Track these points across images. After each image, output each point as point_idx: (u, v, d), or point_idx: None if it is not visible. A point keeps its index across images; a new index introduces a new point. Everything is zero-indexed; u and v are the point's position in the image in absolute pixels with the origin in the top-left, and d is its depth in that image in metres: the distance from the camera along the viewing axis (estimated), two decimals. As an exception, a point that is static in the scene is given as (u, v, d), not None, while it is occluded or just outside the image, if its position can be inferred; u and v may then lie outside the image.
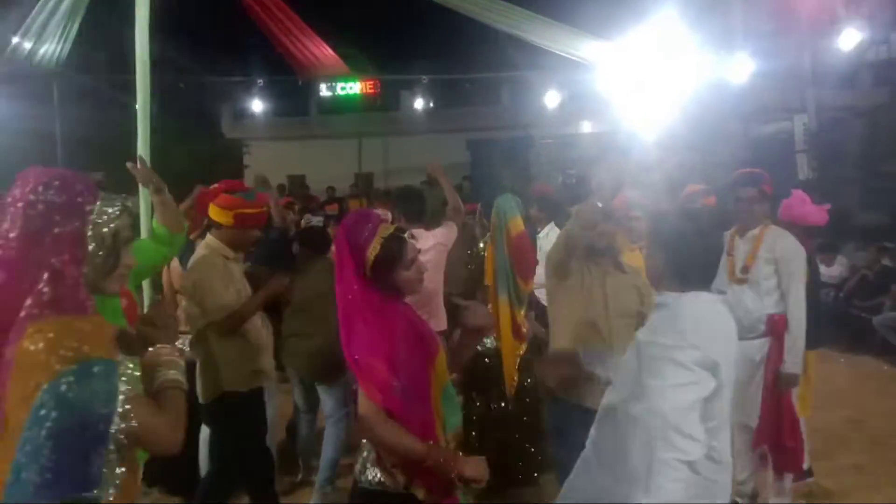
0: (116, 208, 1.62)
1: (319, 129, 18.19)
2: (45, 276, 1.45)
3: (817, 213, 4.15)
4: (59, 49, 8.49)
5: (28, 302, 1.43)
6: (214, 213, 3.42)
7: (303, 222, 6.11)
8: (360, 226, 2.14)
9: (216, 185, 3.73)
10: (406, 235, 2.19)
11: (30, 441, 1.33)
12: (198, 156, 15.88)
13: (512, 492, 3.89)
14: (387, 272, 2.12)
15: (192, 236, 3.94)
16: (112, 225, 1.59)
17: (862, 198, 12.55)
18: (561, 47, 7.33)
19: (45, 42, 8.24)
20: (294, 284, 4.00)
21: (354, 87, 13.85)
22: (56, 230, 1.49)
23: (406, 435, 2.00)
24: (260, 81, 12.57)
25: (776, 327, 3.55)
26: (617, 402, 2.09)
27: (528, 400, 4.06)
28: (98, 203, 1.58)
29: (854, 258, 8.89)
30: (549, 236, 5.31)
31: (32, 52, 8.37)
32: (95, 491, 1.40)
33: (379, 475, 2.09)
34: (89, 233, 1.55)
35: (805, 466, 4.11)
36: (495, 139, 17.32)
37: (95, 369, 1.39)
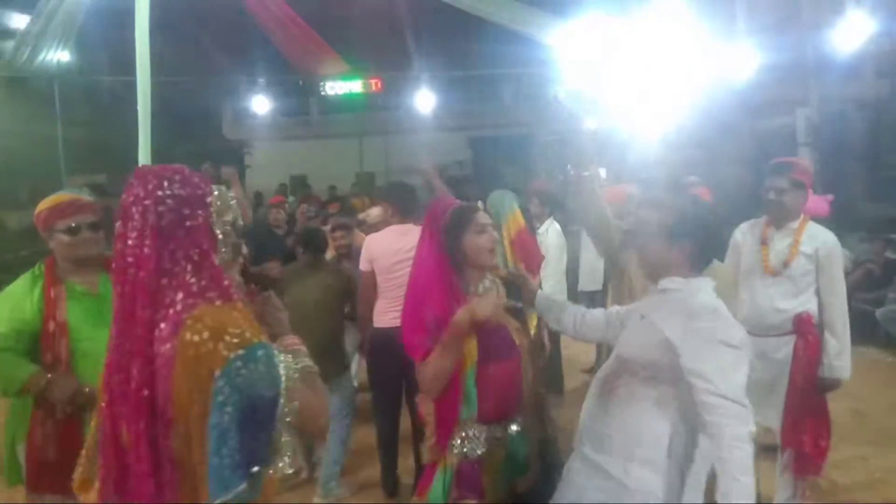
0: (232, 198, 1.67)
1: (320, 129, 18.22)
2: (189, 268, 1.50)
3: (820, 205, 4.12)
4: (59, 52, 8.52)
5: (178, 296, 1.47)
6: None
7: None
8: (441, 203, 2.39)
9: None
10: (480, 206, 2.38)
11: (216, 427, 1.39)
12: (199, 157, 15.93)
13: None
14: (457, 236, 2.27)
15: None
16: (232, 214, 1.65)
17: (866, 190, 12.50)
18: (554, 40, 7.31)
19: (46, 45, 8.26)
20: (295, 284, 4.02)
21: (356, 86, 13.82)
22: (188, 223, 1.53)
23: (438, 355, 2.15)
24: (261, 81, 12.55)
25: (804, 326, 3.38)
26: (620, 380, 2.14)
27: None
28: (216, 194, 1.63)
29: (858, 251, 8.86)
30: (548, 232, 5.32)
31: (33, 55, 8.39)
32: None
33: None
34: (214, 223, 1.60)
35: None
36: (498, 136, 17.32)
37: (259, 353, 1.44)
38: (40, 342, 2.52)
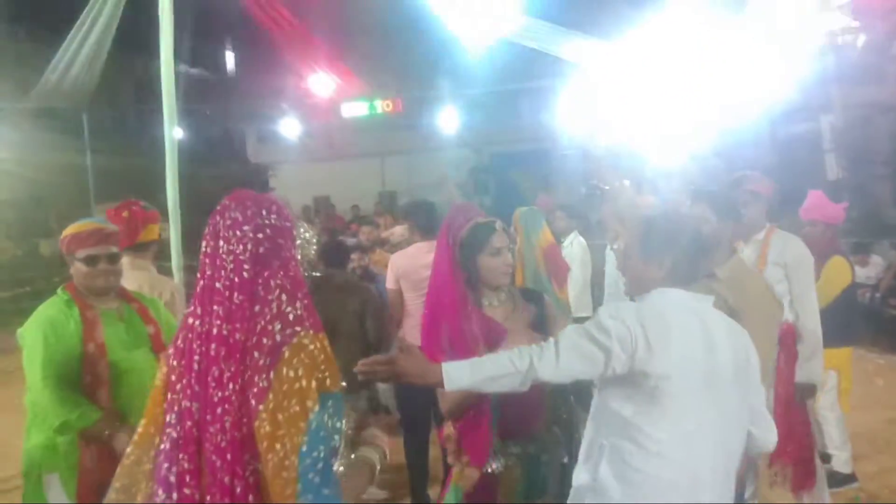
0: (310, 232, 1.77)
1: (343, 150, 18.40)
2: (284, 297, 1.52)
3: (835, 212, 4.09)
4: (86, 83, 8.74)
5: (276, 325, 1.48)
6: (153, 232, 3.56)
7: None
8: (460, 213, 2.33)
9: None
10: (497, 226, 2.30)
11: (309, 456, 1.40)
12: (224, 181, 16.20)
13: None
14: (472, 255, 2.25)
15: None
16: (313, 247, 1.75)
17: (894, 195, 12.29)
18: (570, 55, 7.32)
19: (73, 77, 8.48)
20: (316, 298, 4.03)
21: (376, 107, 13.98)
22: (283, 253, 1.56)
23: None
24: (284, 105, 12.76)
25: (786, 337, 3.32)
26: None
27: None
28: (298, 226, 1.76)
29: (889, 256, 8.69)
30: (573, 245, 5.34)
31: (60, 86, 8.62)
32: None
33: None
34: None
35: (848, 471, 4.02)
36: (515, 151, 17.36)
37: (339, 394, 1.52)
38: (81, 364, 2.56)
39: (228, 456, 1.42)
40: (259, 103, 13.56)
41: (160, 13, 4.25)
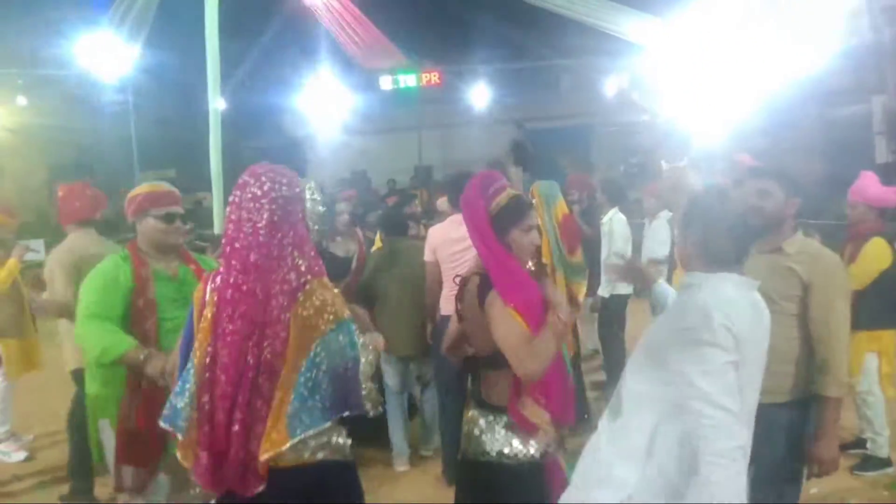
0: (316, 193, 2.12)
1: (380, 124, 18.42)
2: (295, 253, 1.93)
3: (880, 194, 3.99)
4: (131, 51, 8.88)
5: (291, 275, 1.91)
6: None
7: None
8: (492, 178, 2.31)
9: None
10: (533, 202, 2.32)
11: (310, 379, 1.86)
12: (265, 152, 16.38)
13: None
14: (504, 228, 2.22)
15: None
16: (319, 206, 2.11)
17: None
18: (616, 28, 7.19)
19: (118, 47, 8.63)
20: (382, 267, 4.22)
21: (414, 80, 13.93)
22: (292, 217, 1.95)
23: (541, 342, 2.09)
24: (322, 78, 12.80)
25: None
26: (626, 380, 2.08)
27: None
28: (305, 188, 2.05)
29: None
30: (612, 221, 5.31)
31: (109, 52, 8.78)
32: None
33: (505, 447, 2.20)
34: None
35: (885, 455, 3.97)
36: (554, 128, 17.15)
37: (347, 327, 1.92)
38: (130, 317, 2.68)
39: (250, 373, 1.86)
40: (299, 75, 13.60)
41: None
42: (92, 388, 2.81)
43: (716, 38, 6.21)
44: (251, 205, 1.91)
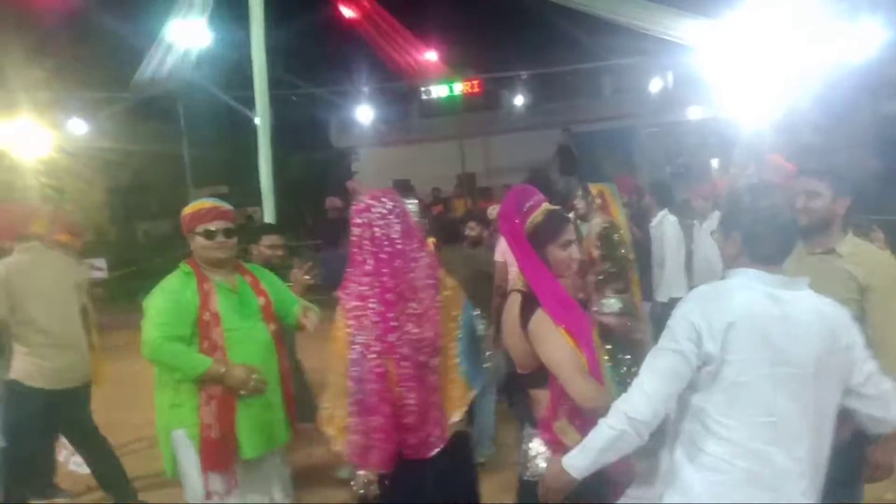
0: (413, 203, 2.74)
1: (422, 133, 18.55)
2: (422, 253, 2.44)
3: None
4: (182, 70, 9.19)
5: (427, 269, 2.43)
6: None
7: None
8: (527, 193, 2.32)
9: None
10: (571, 217, 2.32)
11: (463, 345, 2.46)
12: (311, 165, 16.67)
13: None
14: (542, 244, 2.21)
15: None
16: (416, 214, 2.78)
17: None
18: (662, 29, 7.11)
19: (171, 64, 8.94)
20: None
21: (455, 89, 14.01)
22: (411, 225, 2.46)
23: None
24: (365, 89, 12.98)
25: None
26: None
27: None
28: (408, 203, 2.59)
29: None
30: (662, 223, 5.24)
31: (159, 74, 9.11)
32: None
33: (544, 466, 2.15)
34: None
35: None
36: (597, 131, 16.98)
37: (468, 303, 2.56)
38: (198, 330, 2.79)
39: (420, 354, 2.37)
40: (342, 89, 13.82)
41: (250, 4, 4.42)
42: (163, 400, 2.89)
43: (765, 35, 6.08)
44: (381, 221, 2.36)
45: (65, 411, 3.90)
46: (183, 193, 12.53)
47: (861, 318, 2.38)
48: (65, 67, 11.84)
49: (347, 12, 8.57)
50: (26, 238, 3.83)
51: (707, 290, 1.96)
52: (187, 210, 2.96)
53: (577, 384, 2.06)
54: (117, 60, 10.94)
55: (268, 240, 3.85)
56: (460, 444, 2.48)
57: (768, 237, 1.91)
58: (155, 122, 13.19)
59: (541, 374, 2.16)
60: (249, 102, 4.77)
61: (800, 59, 6.35)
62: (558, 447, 2.12)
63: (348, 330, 2.35)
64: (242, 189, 15.72)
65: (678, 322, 1.87)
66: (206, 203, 2.99)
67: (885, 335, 2.35)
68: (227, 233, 2.93)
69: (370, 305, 2.33)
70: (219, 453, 2.76)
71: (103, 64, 11.98)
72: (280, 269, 3.69)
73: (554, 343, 2.10)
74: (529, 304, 2.18)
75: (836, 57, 7.13)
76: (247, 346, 2.84)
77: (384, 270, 2.33)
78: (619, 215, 4.34)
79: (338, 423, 2.36)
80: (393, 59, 10.68)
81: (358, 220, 2.39)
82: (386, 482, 2.35)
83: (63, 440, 4.72)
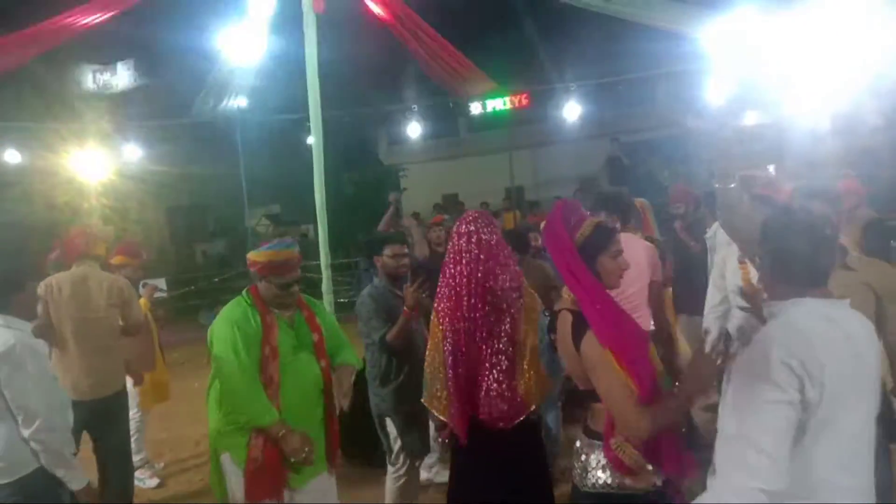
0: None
1: (470, 147, 18.61)
2: (511, 262, 2.97)
3: None
4: (238, 98, 9.47)
5: (514, 276, 2.92)
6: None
7: None
8: (572, 208, 2.34)
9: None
10: (618, 227, 2.35)
11: (541, 345, 2.97)
12: (362, 183, 16.93)
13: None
14: (592, 256, 2.22)
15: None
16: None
17: None
18: (713, 34, 6.96)
19: (227, 93, 9.23)
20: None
21: (504, 102, 14.01)
22: (500, 239, 3.01)
23: (665, 407, 2.04)
24: (413, 107, 13.12)
25: None
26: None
27: None
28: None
29: None
30: (716, 235, 5.09)
31: (216, 102, 9.41)
32: None
33: (603, 479, 2.15)
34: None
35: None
36: (650, 139, 16.73)
37: (543, 312, 3.12)
38: (258, 362, 2.82)
39: (502, 347, 2.85)
40: (390, 107, 14.02)
41: (305, 28, 4.53)
42: (213, 422, 2.95)
43: (823, 34, 5.88)
44: (475, 237, 2.89)
45: (89, 418, 3.90)
46: (240, 213, 12.84)
47: (878, 328, 2.33)
48: (126, 97, 12.40)
49: (392, 27, 8.71)
50: (84, 259, 4.00)
51: (784, 329, 1.81)
52: (259, 257, 2.91)
53: (620, 413, 2.04)
54: (178, 87, 11.38)
55: (391, 249, 3.78)
56: (531, 427, 2.95)
57: (810, 257, 1.83)
58: (213, 146, 13.60)
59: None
60: (302, 123, 4.89)
61: (859, 60, 6.12)
62: (618, 463, 2.11)
63: (441, 327, 2.88)
64: (296, 207, 16.10)
65: (776, 369, 1.71)
66: (280, 254, 2.91)
67: None
68: (298, 282, 2.96)
69: (459, 303, 2.86)
70: (264, 483, 2.80)
71: (165, 91, 12.47)
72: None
73: (602, 369, 2.08)
74: (580, 325, 2.17)
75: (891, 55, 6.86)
76: (298, 379, 2.87)
77: (476, 274, 2.84)
78: (656, 231, 4.27)
79: (441, 402, 2.89)
80: (440, 76, 10.75)
81: (460, 230, 2.94)
82: (470, 443, 2.89)
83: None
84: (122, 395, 4.16)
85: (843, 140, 6.59)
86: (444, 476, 4.16)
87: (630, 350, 2.09)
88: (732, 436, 1.70)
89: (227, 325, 2.84)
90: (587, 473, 2.19)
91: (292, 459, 2.77)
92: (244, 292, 2.97)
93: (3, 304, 2.57)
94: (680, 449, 2.16)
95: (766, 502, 1.63)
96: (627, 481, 2.12)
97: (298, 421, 2.85)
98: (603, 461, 2.16)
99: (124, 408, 4.22)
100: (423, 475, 4.22)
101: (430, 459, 4.25)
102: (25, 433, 2.51)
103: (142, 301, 4.66)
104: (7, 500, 2.52)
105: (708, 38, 7.14)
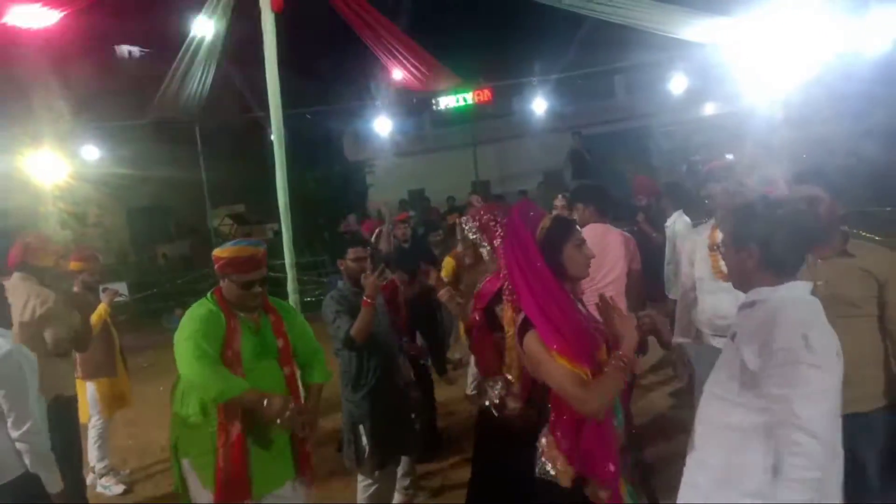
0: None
1: (435, 143, 18.62)
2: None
3: None
4: (198, 94, 9.32)
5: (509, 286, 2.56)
6: None
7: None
8: (530, 206, 2.35)
9: None
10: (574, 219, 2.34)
11: None
12: (327, 180, 16.80)
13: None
14: (556, 247, 2.22)
15: None
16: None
17: None
18: (672, 28, 7.07)
19: (187, 89, 9.08)
20: None
21: (467, 98, 14.06)
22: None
23: (606, 379, 2.03)
24: (377, 103, 13.06)
25: None
26: (709, 409, 2.00)
27: None
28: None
29: None
30: (676, 224, 5.18)
31: (176, 99, 9.25)
32: None
33: (549, 467, 2.16)
34: None
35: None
36: (612, 132, 16.94)
37: None
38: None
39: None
40: (354, 104, 13.94)
41: (263, 27, 4.47)
42: (177, 425, 2.88)
43: (778, 30, 6.03)
44: (500, 229, 2.78)
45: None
46: (201, 214, 12.65)
47: (880, 314, 2.40)
48: (86, 98, 12.10)
49: (353, 23, 8.65)
50: (23, 268, 3.81)
51: (808, 311, 1.87)
52: (223, 253, 2.84)
53: (574, 400, 2.04)
54: (135, 88, 11.14)
55: (353, 253, 3.75)
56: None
57: (789, 247, 1.90)
58: (173, 145, 13.36)
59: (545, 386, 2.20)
60: (264, 121, 4.85)
61: (814, 51, 6.29)
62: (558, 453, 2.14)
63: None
64: (260, 206, 15.90)
65: (819, 354, 1.76)
66: (244, 249, 2.85)
67: None
68: (262, 281, 2.88)
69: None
70: (234, 485, 2.74)
71: (122, 92, 12.20)
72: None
73: (547, 364, 2.09)
74: (525, 323, 2.18)
75: (851, 48, 7.06)
76: (260, 387, 2.77)
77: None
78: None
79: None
80: (404, 72, 10.72)
81: (502, 230, 2.78)
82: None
83: (90, 463, 4.81)
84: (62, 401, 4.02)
85: (797, 131, 6.79)
86: (421, 498, 4.16)
87: (573, 350, 2.08)
88: (799, 428, 1.72)
89: (188, 324, 2.78)
90: (537, 460, 2.21)
91: (278, 422, 2.66)
92: (209, 294, 2.89)
93: None
94: (611, 459, 2.14)
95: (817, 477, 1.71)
96: (569, 470, 2.14)
97: (260, 428, 2.79)
98: (547, 447, 2.19)
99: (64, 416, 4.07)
100: (398, 499, 4.17)
101: (405, 482, 4.20)
102: (15, 434, 2.57)
103: (101, 306, 4.56)
104: None
105: (670, 32, 7.25)
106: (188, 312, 2.85)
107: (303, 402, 3.00)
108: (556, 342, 2.07)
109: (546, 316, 2.11)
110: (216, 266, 2.84)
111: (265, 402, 2.63)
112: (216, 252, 2.86)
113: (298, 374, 3.11)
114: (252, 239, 2.92)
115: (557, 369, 2.05)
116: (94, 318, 4.38)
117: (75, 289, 4.52)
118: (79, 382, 4.44)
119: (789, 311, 1.84)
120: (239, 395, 2.65)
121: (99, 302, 4.58)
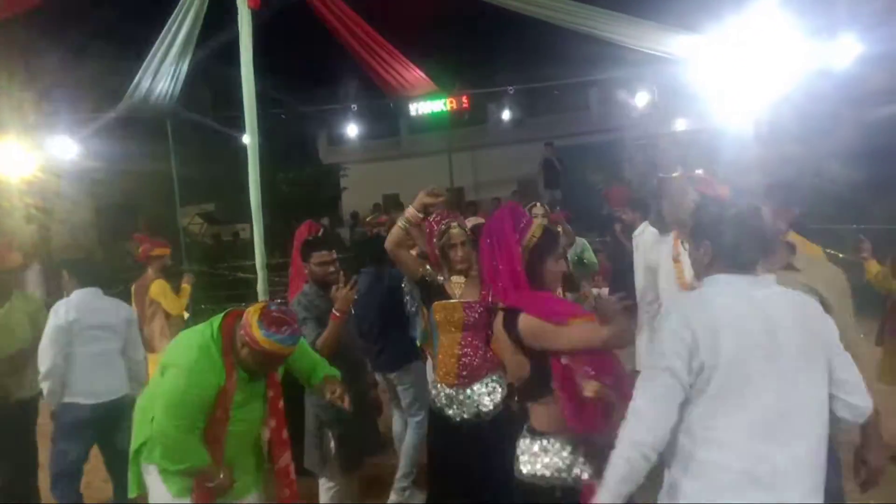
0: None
1: (410, 148, 18.61)
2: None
3: None
4: (170, 90, 9.18)
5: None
6: None
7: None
8: (520, 212, 2.37)
9: None
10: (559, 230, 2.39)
11: None
12: (300, 182, 16.68)
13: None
14: (540, 258, 2.27)
15: None
16: None
17: None
18: (648, 44, 7.20)
19: (159, 84, 8.94)
20: None
21: (442, 105, 14.11)
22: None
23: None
24: (353, 107, 13.03)
25: None
26: None
27: None
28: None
29: None
30: (644, 234, 5.27)
31: (148, 93, 9.10)
32: None
33: (531, 468, 2.21)
34: None
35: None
36: (585, 145, 17.11)
37: None
38: (214, 400, 2.59)
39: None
40: (330, 107, 13.88)
41: (239, 24, 4.43)
42: (139, 437, 2.80)
43: (748, 47, 6.17)
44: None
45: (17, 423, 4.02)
46: (171, 213, 12.46)
47: None
48: (54, 89, 11.84)
49: (331, 27, 8.63)
50: None
51: (687, 301, 2.03)
52: (262, 341, 2.53)
53: (600, 336, 2.11)
54: (106, 81, 10.93)
55: (318, 256, 3.62)
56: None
57: (738, 244, 1.99)
58: (143, 142, 13.14)
59: (531, 384, 2.22)
60: (238, 121, 4.79)
61: (782, 71, 6.44)
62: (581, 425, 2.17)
63: None
64: (231, 206, 15.71)
65: (665, 339, 1.90)
66: (283, 349, 2.58)
67: (847, 347, 2.38)
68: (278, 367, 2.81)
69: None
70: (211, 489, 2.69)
71: (92, 85, 11.96)
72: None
73: (550, 333, 2.15)
74: (510, 315, 2.23)
75: (819, 68, 7.25)
76: (239, 438, 2.73)
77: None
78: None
79: None
80: (381, 77, 10.72)
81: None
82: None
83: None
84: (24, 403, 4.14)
85: (765, 148, 6.93)
86: (417, 498, 4.12)
87: (570, 309, 2.23)
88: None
89: (186, 363, 2.59)
90: (519, 462, 2.25)
91: (209, 485, 2.67)
92: (216, 326, 2.65)
93: None
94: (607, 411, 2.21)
95: (635, 455, 1.84)
96: (578, 467, 2.19)
97: (233, 453, 2.74)
98: (528, 448, 2.23)
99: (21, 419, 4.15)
100: (394, 498, 4.14)
101: (404, 482, 4.16)
102: None
103: (185, 287, 5.28)
104: None
105: (644, 48, 7.37)
106: (189, 340, 2.67)
107: (284, 419, 2.88)
108: (546, 314, 2.16)
109: (533, 296, 2.22)
110: (246, 339, 2.57)
111: (214, 484, 2.66)
112: (256, 333, 2.53)
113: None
114: (296, 335, 2.64)
115: (561, 330, 2.13)
116: (185, 295, 5.27)
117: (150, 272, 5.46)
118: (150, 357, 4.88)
119: (680, 300, 2.03)
120: (196, 471, 2.64)
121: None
